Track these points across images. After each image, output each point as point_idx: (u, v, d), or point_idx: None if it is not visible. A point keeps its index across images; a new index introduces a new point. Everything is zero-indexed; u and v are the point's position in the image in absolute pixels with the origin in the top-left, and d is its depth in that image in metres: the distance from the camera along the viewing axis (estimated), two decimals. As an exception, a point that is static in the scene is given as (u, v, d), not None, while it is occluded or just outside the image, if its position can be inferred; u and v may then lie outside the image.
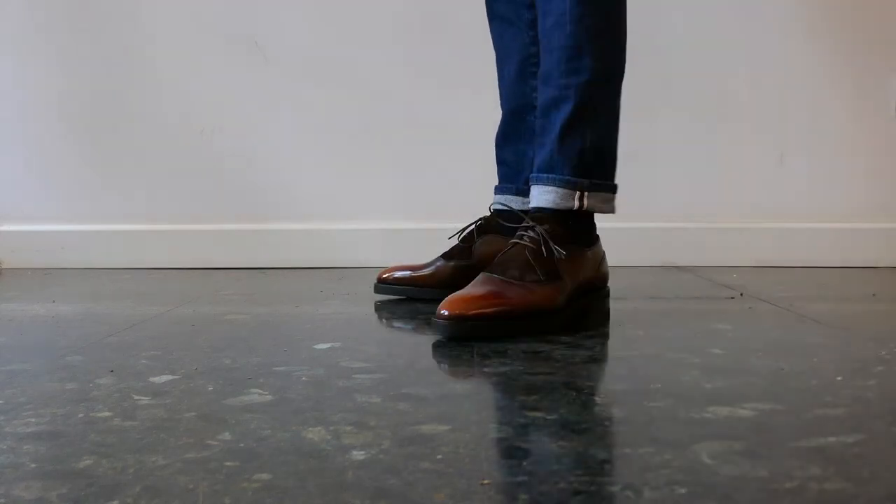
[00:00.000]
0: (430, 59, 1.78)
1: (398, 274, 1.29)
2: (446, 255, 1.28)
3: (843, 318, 1.11)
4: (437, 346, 0.93)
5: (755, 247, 1.78)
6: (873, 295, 1.36)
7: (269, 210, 1.82)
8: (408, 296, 1.27)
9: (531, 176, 1.11)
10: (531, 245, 1.02)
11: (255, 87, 1.81)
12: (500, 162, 1.31)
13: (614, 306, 1.15)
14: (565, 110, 1.06)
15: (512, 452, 0.56)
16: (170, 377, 0.79)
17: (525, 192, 1.23)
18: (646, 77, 1.81)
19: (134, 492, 0.50)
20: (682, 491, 0.49)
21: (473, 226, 1.28)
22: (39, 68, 1.82)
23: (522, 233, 1.05)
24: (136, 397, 0.71)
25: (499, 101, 1.31)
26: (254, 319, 1.15)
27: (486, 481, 0.51)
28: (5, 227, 1.84)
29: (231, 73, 1.81)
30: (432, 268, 1.28)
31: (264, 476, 0.52)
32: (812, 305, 1.20)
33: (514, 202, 1.26)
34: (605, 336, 0.97)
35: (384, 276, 1.30)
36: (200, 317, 1.17)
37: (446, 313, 0.94)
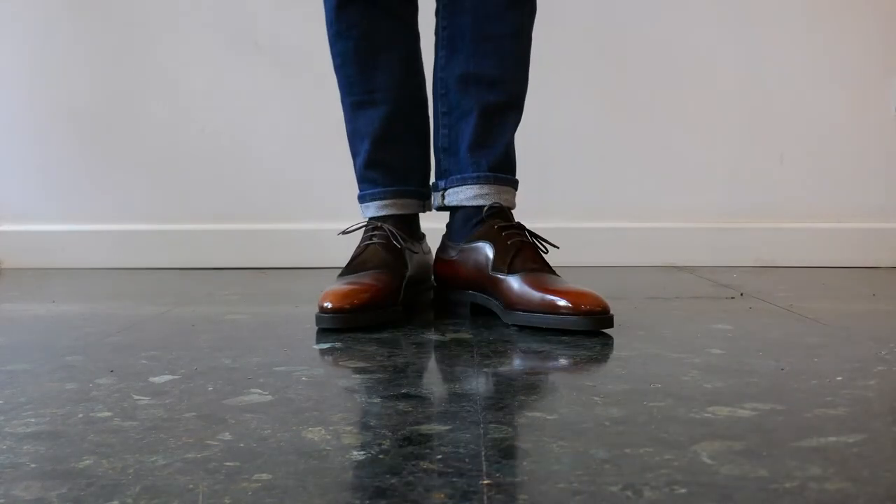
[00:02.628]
0: (431, 60, 1.78)
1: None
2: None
3: (843, 318, 1.11)
4: (437, 347, 0.93)
5: (755, 247, 1.78)
6: (873, 295, 1.35)
7: (269, 210, 1.82)
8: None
9: (482, 175, 1.12)
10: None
11: (254, 87, 1.81)
12: (379, 164, 1.18)
13: (614, 306, 1.14)
14: (514, 118, 1.15)
15: (512, 452, 0.56)
16: (170, 377, 0.79)
17: (418, 195, 1.19)
18: (645, 77, 1.81)
19: (134, 492, 0.50)
20: (682, 491, 0.49)
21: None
22: (39, 69, 1.82)
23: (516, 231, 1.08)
24: (136, 397, 0.71)
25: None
26: (254, 319, 1.15)
27: (486, 481, 0.51)
28: (5, 227, 1.84)
29: (231, 73, 1.81)
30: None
31: (264, 476, 0.52)
32: (812, 305, 1.20)
33: (412, 206, 1.20)
34: (606, 336, 0.97)
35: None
36: (200, 317, 1.17)
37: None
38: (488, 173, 1.11)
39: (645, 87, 1.79)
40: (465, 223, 1.13)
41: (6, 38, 1.82)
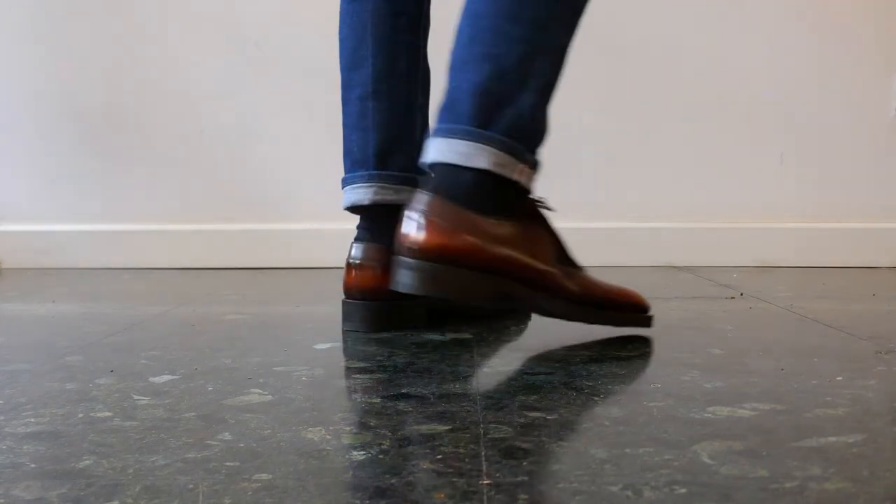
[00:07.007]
0: (431, 60, 1.78)
1: None
2: None
3: (843, 318, 1.11)
4: (437, 347, 0.93)
5: (755, 247, 1.78)
6: (873, 295, 1.35)
7: (269, 210, 1.82)
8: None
9: None
10: None
11: (254, 88, 1.81)
12: None
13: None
14: None
15: (512, 452, 0.56)
16: (170, 377, 0.79)
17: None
18: (645, 77, 1.81)
19: (134, 492, 0.50)
20: (682, 491, 0.49)
21: None
22: (39, 68, 1.82)
23: None
24: (136, 397, 0.71)
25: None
26: (254, 319, 1.15)
27: (486, 481, 0.51)
28: (5, 227, 1.84)
29: (231, 73, 1.81)
30: None
31: (264, 476, 0.52)
32: (812, 305, 1.20)
33: None
34: (606, 336, 0.97)
35: None
36: (200, 317, 1.17)
37: None
38: None
39: (645, 87, 1.79)
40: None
41: (6, 38, 1.82)
